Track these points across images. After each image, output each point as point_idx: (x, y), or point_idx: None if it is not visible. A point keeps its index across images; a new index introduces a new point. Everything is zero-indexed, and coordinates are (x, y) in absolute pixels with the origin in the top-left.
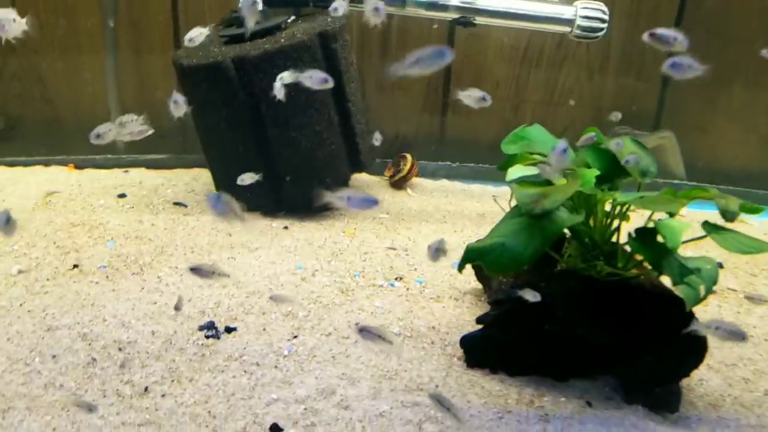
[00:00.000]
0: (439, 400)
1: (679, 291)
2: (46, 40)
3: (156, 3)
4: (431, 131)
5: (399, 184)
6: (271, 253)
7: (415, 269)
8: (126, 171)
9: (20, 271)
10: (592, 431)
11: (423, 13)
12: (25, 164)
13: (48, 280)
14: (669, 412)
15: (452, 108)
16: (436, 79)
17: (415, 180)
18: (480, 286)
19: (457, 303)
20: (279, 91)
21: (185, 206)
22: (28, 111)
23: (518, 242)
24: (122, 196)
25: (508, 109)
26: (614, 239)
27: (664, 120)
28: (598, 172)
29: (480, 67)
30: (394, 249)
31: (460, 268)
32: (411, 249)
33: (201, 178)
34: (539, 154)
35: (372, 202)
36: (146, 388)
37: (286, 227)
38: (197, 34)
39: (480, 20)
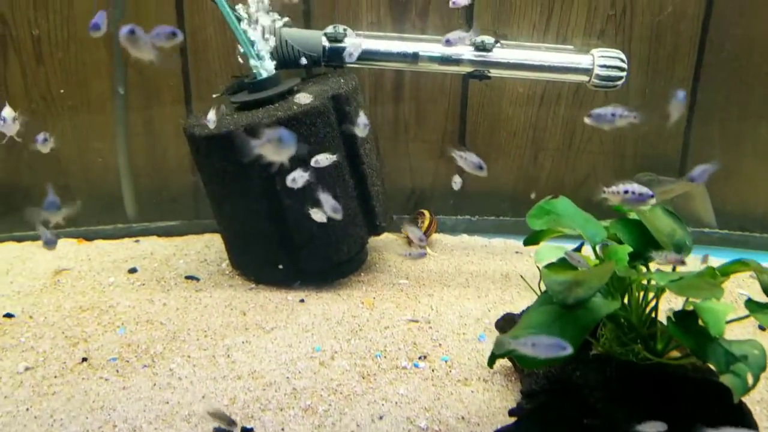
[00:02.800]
0: None
1: (725, 380)
2: (56, 109)
3: (168, 71)
4: (448, 183)
5: (409, 245)
6: (287, 333)
7: (440, 345)
8: (137, 241)
9: (27, 369)
10: None
11: (436, 68)
12: (34, 239)
13: (56, 377)
14: None
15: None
16: (451, 129)
17: (434, 236)
18: (509, 363)
19: (486, 385)
20: (296, 181)
21: (198, 279)
22: (39, 182)
23: (551, 333)
24: (133, 270)
25: (526, 157)
26: (653, 316)
27: (690, 165)
28: (630, 249)
29: (496, 117)
30: (417, 321)
31: (491, 363)
32: (434, 321)
33: (213, 244)
34: (568, 230)
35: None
36: None
37: (302, 300)
38: (213, 117)
39: (494, 72)
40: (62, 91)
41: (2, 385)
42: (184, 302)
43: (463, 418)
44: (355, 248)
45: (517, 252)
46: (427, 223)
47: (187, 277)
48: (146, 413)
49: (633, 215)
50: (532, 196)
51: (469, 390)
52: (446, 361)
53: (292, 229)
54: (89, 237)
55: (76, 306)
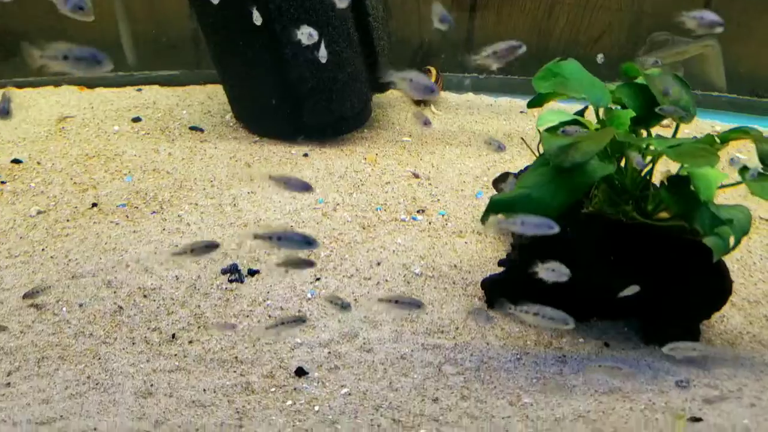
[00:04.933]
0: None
1: (707, 241)
2: None
3: None
4: (458, 37)
5: (418, 105)
6: None
7: (438, 200)
8: (139, 89)
9: (39, 212)
10: (608, 372)
11: None
12: (35, 85)
13: (68, 221)
14: None
15: (481, 8)
16: None
17: (440, 94)
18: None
19: (479, 238)
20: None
21: (202, 131)
22: (33, 25)
23: (545, 194)
24: (137, 120)
25: (541, 11)
26: (647, 180)
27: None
28: (633, 114)
29: None
30: (417, 177)
31: (484, 220)
32: (434, 177)
33: (216, 96)
34: (574, 93)
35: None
36: (173, 335)
37: (306, 154)
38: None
39: None
40: None
41: (17, 227)
42: (189, 152)
43: (455, 266)
44: (359, 104)
45: (521, 111)
46: (433, 80)
47: (192, 128)
48: (157, 255)
49: (640, 79)
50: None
51: (463, 241)
52: (443, 215)
53: (294, 80)
54: (91, 85)
55: (83, 153)
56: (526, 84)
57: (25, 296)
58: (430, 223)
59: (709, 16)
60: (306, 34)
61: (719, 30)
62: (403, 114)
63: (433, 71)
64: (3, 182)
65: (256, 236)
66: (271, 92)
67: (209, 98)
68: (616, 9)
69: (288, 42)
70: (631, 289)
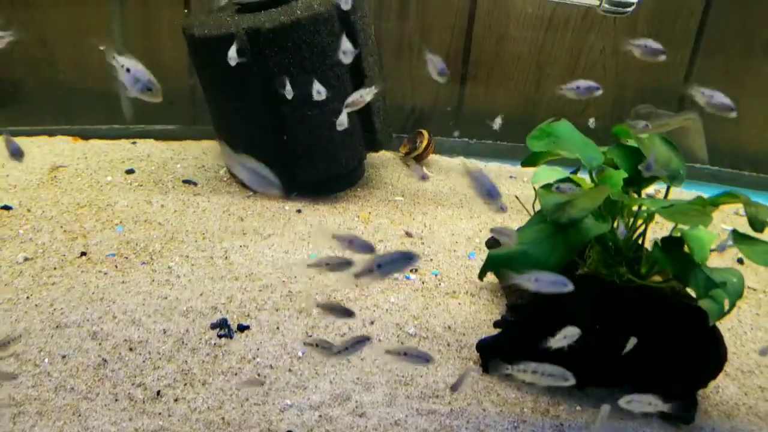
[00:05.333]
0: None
1: (702, 304)
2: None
3: None
4: (449, 103)
5: (416, 161)
6: (284, 240)
7: (431, 260)
8: (134, 142)
9: (26, 259)
10: None
11: None
12: (29, 134)
13: (55, 269)
14: (684, 422)
15: (471, 79)
16: (455, 48)
17: (432, 157)
18: (496, 280)
19: (473, 299)
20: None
21: (195, 184)
22: (31, 75)
23: (541, 251)
24: (130, 171)
25: (529, 83)
26: (640, 242)
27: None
28: (625, 174)
29: (501, 37)
30: (410, 236)
31: (481, 275)
32: (427, 237)
33: (211, 151)
34: (567, 153)
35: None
36: (158, 392)
37: (299, 210)
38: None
39: None
40: None
41: (2, 273)
42: (182, 205)
43: (449, 327)
44: (352, 162)
45: (511, 176)
46: (425, 142)
47: (185, 181)
48: (145, 307)
49: (631, 142)
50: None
51: (457, 302)
52: (436, 275)
53: (289, 138)
54: (85, 136)
55: (74, 202)
56: (515, 150)
57: None
58: (423, 282)
59: (721, 98)
60: (316, 91)
61: (732, 115)
62: (395, 174)
63: (426, 134)
64: None
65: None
66: (266, 148)
67: (204, 153)
68: (600, 81)
69: (285, 100)
70: (632, 342)
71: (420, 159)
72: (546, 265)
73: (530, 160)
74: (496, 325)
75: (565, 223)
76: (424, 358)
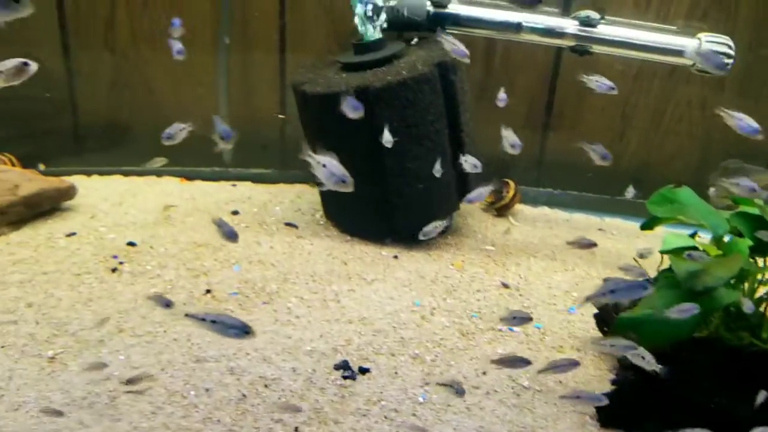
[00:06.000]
0: None
1: None
2: (158, 52)
3: (266, 20)
4: (532, 153)
5: (501, 211)
6: (387, 286)
7: (532, 312)
8: (234, 185)
9: (158, 295)
10: None
11: (537, 39)
12: (139, 174)
13: (185, 304)
14: None
15: (554, 129)
16: (539, 99)
17: (517, 207)
18: (600, 335)
19: (579, 355)
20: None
21: (296, 227)
22: (137, 119)
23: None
24: (235, 213)
25: (613, 132)
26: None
27: None
28: (750, 243)
29: (586, 90)
30: (507, 287)
31: (606, 332)
32: (524, 289)
33: (304, 195)
34: (692, 220)
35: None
36: (296, 429)
37: (395, 256)
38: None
39: (597, 49)
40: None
41: (138, 307)
42: (289, 247)
43: (560, 382)
44: (447, 213)
45: (600, 229)
46: (512, 193)
47: (287, 224)
48: (273, 345)
49: (752, 209)
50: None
51: (563, 357)
52: (539, 329)
53: (390, 190)
54: (189, 177)
55: (191, 241)
56: (599, 201)
57: (128, 382)
58: (527, 335)
59: (746, 182)
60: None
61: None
62: (482, 223)
63: (512, 184)
64: (121, 263)
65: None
66: (367, 198)
67: (298, 197)
68: (687, 134)
69: (389, 153)
70: (762, 395)
71: (506, 209)
72: (683, 331)
73: (649, 224)
74: (614, 383)
75: (701, 291)
76: (597, 400)
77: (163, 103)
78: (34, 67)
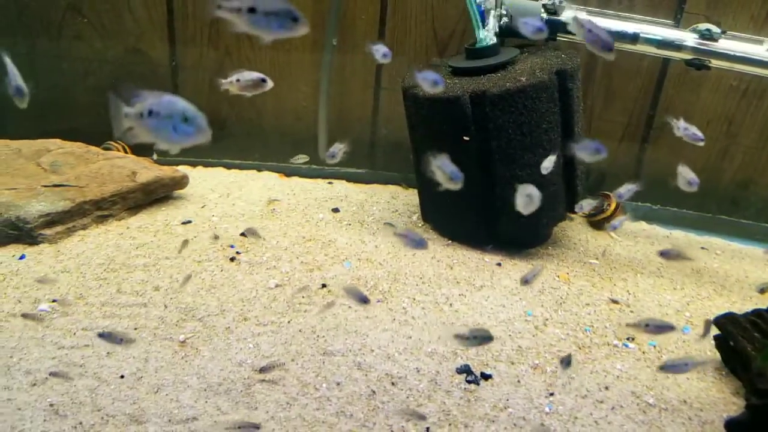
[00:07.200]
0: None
1: None
2: (259, 50)
3: (367, 23)
4: (628, 166)
5: (600, 224)
6: (496, 293)
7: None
8: (330, 183)
9: (277, 285)
10: None
11: (654, 51)
12: (240, 167)
13: (303, 297)
14: None
15: (653, 143)
16: (640, 109)
17: (615, 220)
18: (717, 356)
19: (700, 375)
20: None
21: (395, 227)
22: (236, 116)
23: None
24: (336, 210)
25: (715, 150)
26: None
27: None
28: None
29: (692, 102)
30: (617, 303)
31: (764, 362)
32: (633, 305)
33: (399, 196)
34: None
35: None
36: (428, 429)
37: (498, 264)
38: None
39: (716, 63)
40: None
41: (260, 296)
42: (392, 247)
43: (685, 401)
44: (552, 222)
45: (702, 248)
46: (613, 206)
47: (386, 224)
48: (395, 344)
49: None
50: None
51: (684, 377)
52: (654, 347)
53: (497, 195)
54: (287, 173)
55: (299, 235)
56: (700, 219)
57: (261, 370)
58: (643, 352)
59: None
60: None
61: None
62: (582, 235)
63: (613, 197)
64: (238, 252)
65: None
66: (470, 202)
67: (393, 198)
68: None
69: (500, 159)
70: None
71: (606, 221)
72: None
73: None
74: (748, 407)
75: None
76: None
77: (261, 100)
78: (270, 84)
